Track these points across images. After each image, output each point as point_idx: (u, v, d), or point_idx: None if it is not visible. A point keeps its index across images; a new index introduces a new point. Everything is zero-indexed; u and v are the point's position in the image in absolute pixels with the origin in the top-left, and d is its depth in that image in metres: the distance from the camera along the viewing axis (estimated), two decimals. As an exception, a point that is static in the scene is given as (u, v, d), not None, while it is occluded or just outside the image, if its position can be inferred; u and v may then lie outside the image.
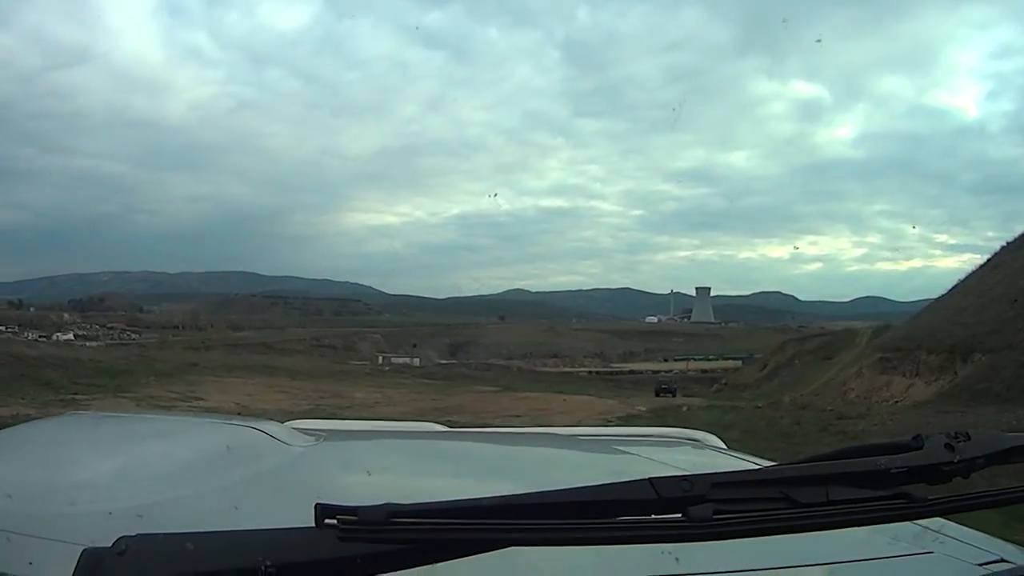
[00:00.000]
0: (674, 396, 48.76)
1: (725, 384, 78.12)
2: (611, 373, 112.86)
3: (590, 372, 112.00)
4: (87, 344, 79.81)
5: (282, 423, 2.44)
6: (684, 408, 28.82)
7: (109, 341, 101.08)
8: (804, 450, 16.47)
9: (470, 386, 42.53)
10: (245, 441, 1.99)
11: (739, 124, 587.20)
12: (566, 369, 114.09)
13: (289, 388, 32.54)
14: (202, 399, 25.72)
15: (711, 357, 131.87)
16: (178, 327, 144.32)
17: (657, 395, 49.19)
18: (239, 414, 19.17)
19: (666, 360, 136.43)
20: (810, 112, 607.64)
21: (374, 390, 35.03)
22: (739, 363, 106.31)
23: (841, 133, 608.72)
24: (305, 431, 2.28)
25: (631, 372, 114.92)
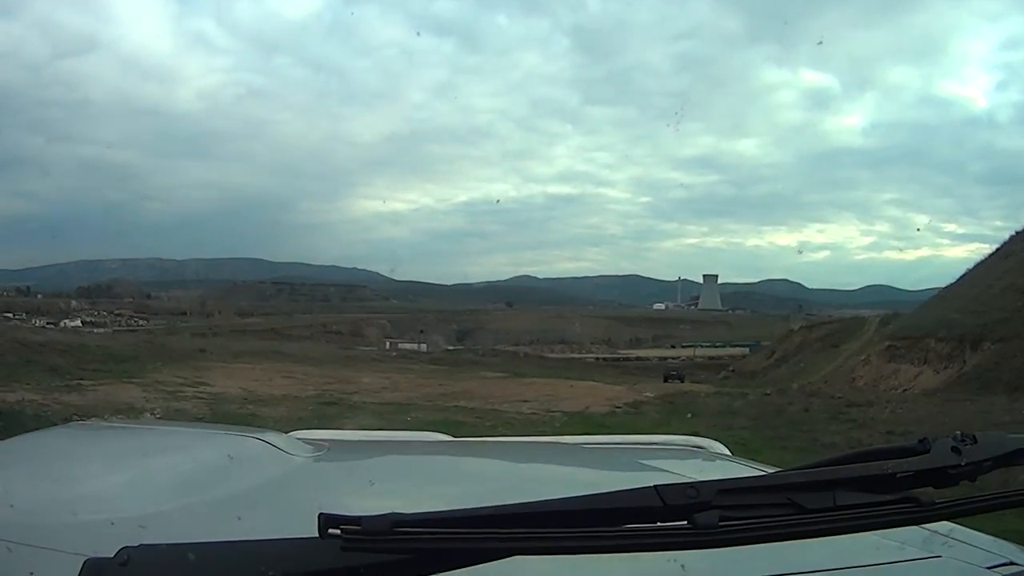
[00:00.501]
0: (682, 382, 49.10)
1: (732, 371, 77.99)
2: (618, 359, 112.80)
3: (597, 358, 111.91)
4: (94, 331, 79.73)
5: (286, 432, 2.44)
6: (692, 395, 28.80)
7: (116, 328, 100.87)
8: (814, 437, 16.54)
9: (477, 372, 42.53)
10: (248, 451, 2.00)
11: (748, 112, 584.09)
12: (573, 355, 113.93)
13: (296, 373, 32.52)
14: (209, 385, 25.67)
15: (718, 344, 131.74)
16: (186, 313, 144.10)
17: (666, 381, 49.48)
18: (246, 399, 19.26)
19: (673, 347, 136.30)
20: (819, 101, 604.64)
21: (381, 376, 35.02)
22: (746, 350, 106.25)
23: (850, 122, 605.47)
24: (308, 441, 2.28)
25: (638, 359, 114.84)
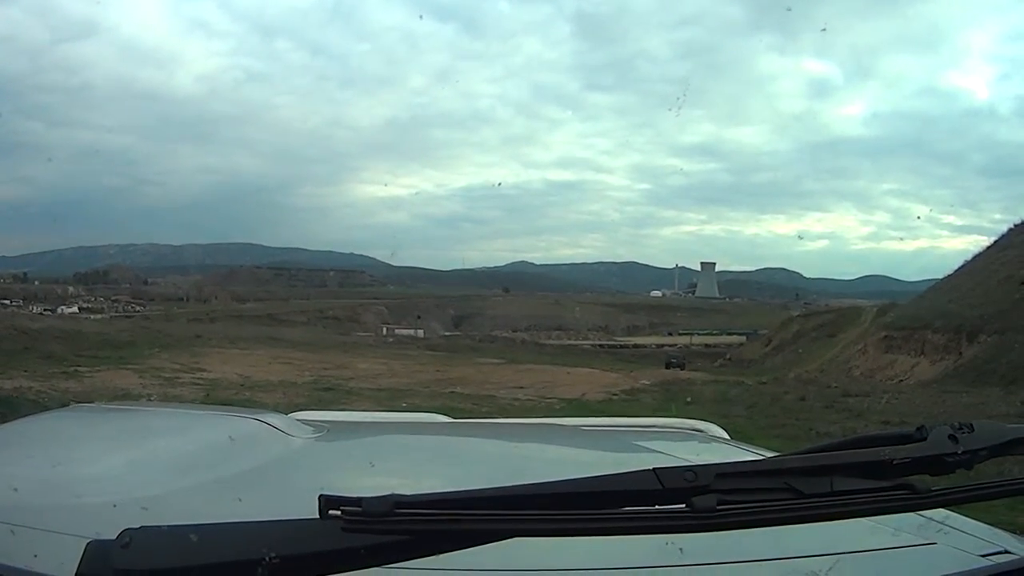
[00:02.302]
0: (682, 369, 49.35)
1: (729, 359, 77.99)
2: (615, 346, 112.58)
3: (594, 345, 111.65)
4: (91, 317, 79.44)
5: (286, 414, 2.46)
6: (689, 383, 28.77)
7: (114, 314, 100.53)
8: (810, 426, 16.56)
9: (474, 358, 42.43)
10: (249, 433, 2.01)
11: (749, 100, 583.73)
12: (570, 342, 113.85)
13: (292, 359, 32.49)
14: (205, 371, 25.65)
15: (715, 332, 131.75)
16: (183, 299, 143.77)
17: (667, 368, 49.72)
18: (242, 385, 19.24)
19: (670, 334, 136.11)
20: (820, 89, 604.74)
21: (378, 361, 34.96)
22: (743, 338, 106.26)
23: (851, 111, 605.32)
24: (309, 422, 2.30)
25: (635, 346, 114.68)
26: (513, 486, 0.98)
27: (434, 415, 3.35)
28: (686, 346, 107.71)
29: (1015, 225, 46.51)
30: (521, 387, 25.21)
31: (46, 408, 14.21)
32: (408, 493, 0.93)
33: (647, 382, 28.28)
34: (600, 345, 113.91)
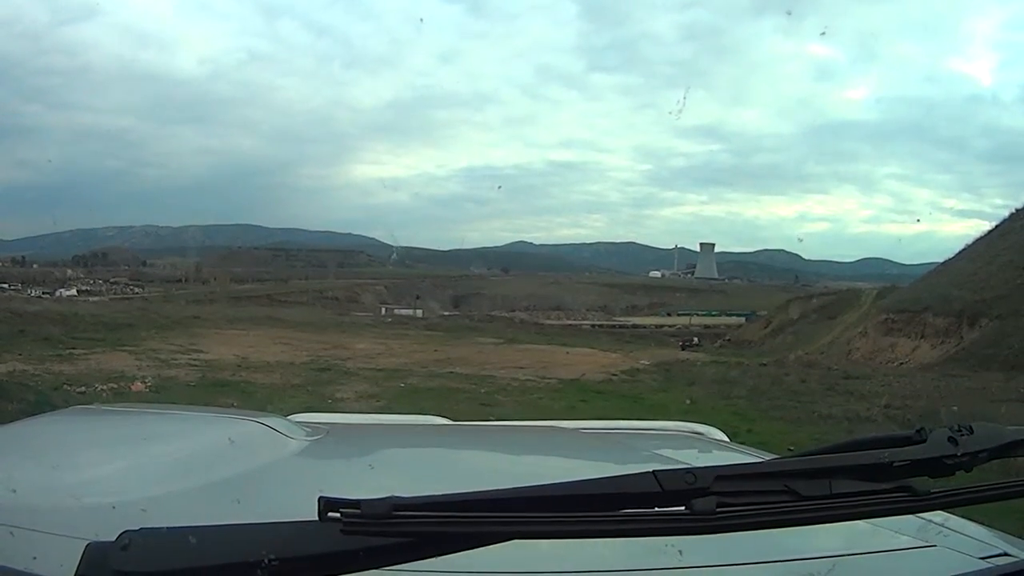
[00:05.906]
0: (698, 348, 49.95)
1: (729, 340, 77.97)
2: (614, 327, 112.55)
3: (593, 325, 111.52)
4: (90, 299, 79.36)
5: (285, 416, 2.46)
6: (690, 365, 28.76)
7: (112, 296, 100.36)
8: (812, 408, 16.60)
9: (473, 338, 42.30)
10: (248, 435, 2.01)
11: (752, 82, 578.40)
12: (569, 322, 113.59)
13: (291, 340, 32.37)
14: (202, 352, 25.51)
15: (714, 313, 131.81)
16: (181, 280, 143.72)
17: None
18: (239, 366, 19.22)
19: (669, 315, 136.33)
20: (824, 73, 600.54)
21: (376, 341, 34.85)
22: (742, 320, 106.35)
23: (854, 95, 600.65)
24: (308, 424, 2.31)
25: (634, 326, 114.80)
26: (512, 488, 0.98)
27: (433, 417, 3.36)
28: (685, 327, 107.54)
29: (1016, 210, 46.49)
30: (520, 367, 25.17)
31: (38, 390, 14.24)
32: (407, 495, 0.93)
33: (646, 362, 28.27)
34: (599, 325, 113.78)
